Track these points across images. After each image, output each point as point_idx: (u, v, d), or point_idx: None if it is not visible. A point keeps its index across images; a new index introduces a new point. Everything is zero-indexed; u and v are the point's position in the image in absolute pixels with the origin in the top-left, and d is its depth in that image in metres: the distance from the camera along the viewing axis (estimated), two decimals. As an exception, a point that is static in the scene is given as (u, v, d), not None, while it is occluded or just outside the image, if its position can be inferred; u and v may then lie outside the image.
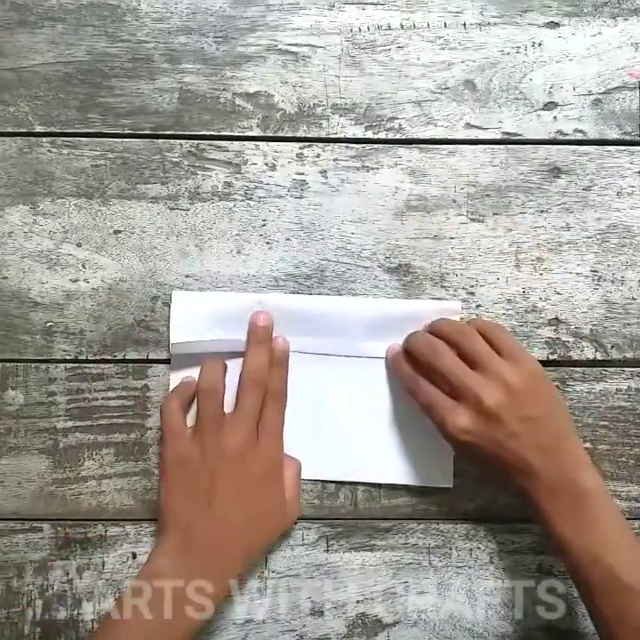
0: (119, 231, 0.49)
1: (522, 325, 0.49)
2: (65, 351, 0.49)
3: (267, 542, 0.47)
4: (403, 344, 0.47)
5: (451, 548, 0.49)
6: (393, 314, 0.48)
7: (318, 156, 0.50)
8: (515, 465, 0.42)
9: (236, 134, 0.50)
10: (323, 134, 0.50)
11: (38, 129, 0.49)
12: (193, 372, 0.47)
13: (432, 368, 0.44)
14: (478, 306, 0.49)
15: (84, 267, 0.49)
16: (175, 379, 0.48)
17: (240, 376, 0.46)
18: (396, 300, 0.49)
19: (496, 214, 0.50)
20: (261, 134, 0.50)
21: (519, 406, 0.42)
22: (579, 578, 0.41)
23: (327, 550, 0.49)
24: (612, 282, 0.50)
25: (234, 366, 0.47)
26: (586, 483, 0.41)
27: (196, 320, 0.48)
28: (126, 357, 0.49)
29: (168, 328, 0.48)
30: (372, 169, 0.50)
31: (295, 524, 0.48)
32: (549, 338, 0.49)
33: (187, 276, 0.49)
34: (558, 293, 0.50)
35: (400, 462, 0.48)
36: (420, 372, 0.45)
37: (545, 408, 0.43)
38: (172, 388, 0.48)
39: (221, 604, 0.46)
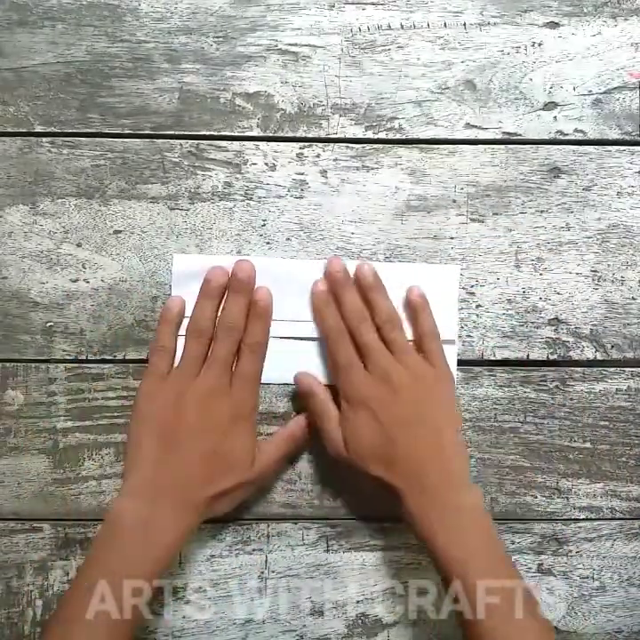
0: (119, 231, 0.49)
1: (522, 325, 0.49)
2: (65, 351, 0.49)
3: (229, 487, 0.45)
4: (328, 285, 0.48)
5: (451, 548, 0.49)
6: (389, 277, 0.48)
7: (318, 155, 0.50)
8: (398, 455, 0.43)
9: (236, 134, 0.50)
10: (323, 134, 0.50)
11: (38, 129, 0.49)
12: None
13: (354, 333, 0.46)
14: (478, 306, 0.49)
15: (84, 267, 0.49)
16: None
17: (216, 324, 0.47)
18: (392, 264, 0.49)
19: (496, 214, 0.50)
20: (261, 134, 0.50)
21: (422, 396, 0.44)
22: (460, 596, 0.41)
23: (327, 550, 0.49)
24: (612, 282, 0.50)
25: None
26: (469, 500, 0.43)
27: (199, 284, 0.48)
28: (126, 357, 0.49)
29: (168, 328, 0.48)
30: (372, 169, 0.50)
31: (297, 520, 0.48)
32: (549, 338, 0.49)
33: (187, 276, 0.49)
34: (558, 293, 0.50)
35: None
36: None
37: (441, 411, 0.45)
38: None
39: (188, 545, 0.45)
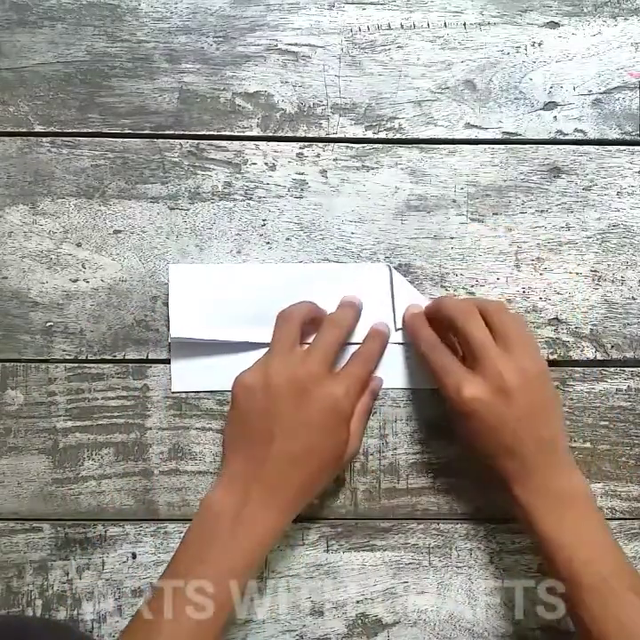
0: (119, 231, 0.49)
1: (522, 325, 0.49)
2: (65, 351, 0.49)
3: (324, 481, 0.45)
4: (427, 307, 0.48)
5: (451, 548, 0.49)
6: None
7: (318, 155, 0.50)
8: (510, 450, 0.42)
9: (236, 134, 0.50)
10: (323, 134, 0.50)
11: (38, 129, 0.49)
12: (195, 356, 0.48)
13: (460, 332, 0.44)
14: (478, 306, 0.49)
15: (83, 267, 0.49)
16: (176, 367, 0.48)
17: (324, 320, 0.47)
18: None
19: (496, 214, 0.50)
20: (261, 134, 0.50)
21: (532, 395, 0.43)
22: (565, 576, 0.41)
23: (327, 550, 0.49)
24: (612, 282, 0.50)
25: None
26: (574, 485, 0.43)
27: (197, 296, 0.48)
28: (126, 357, 0.49)
29: (168, 328, 0.48)
30: (372, 169, 0.50)
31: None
32: (549, 338, 0.49)
33: (187, 276, 0.49)
34: (558, 293, 0.50)
35: (412, 370, 0.49)
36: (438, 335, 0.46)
37: (550, 405, 0.44)
38: (173, 375, 0.48)
39: (280, 542, 0.47)
